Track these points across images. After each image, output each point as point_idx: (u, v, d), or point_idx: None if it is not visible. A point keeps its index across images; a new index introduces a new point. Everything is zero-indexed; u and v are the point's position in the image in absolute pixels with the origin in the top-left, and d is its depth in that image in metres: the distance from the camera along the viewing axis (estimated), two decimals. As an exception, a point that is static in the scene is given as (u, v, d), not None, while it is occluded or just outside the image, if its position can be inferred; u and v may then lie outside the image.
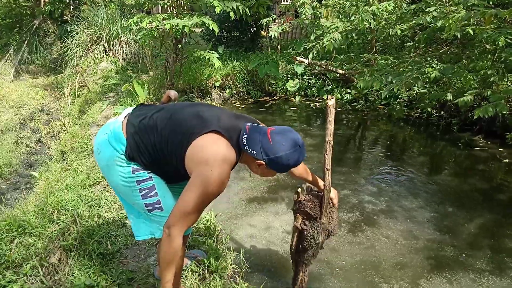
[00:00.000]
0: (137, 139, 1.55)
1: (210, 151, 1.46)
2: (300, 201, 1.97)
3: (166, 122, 1.56)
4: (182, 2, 5.45)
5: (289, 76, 6.88)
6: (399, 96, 5.75)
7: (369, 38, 5.97)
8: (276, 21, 7.90)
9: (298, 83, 6.70)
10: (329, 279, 2.41)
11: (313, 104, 6.40)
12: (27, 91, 8.10)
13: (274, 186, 3.61)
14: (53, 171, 3.91)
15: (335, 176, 3.59)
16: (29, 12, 10.05)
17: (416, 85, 5.09)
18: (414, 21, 4.40)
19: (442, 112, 5.39)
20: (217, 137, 1.49)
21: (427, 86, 5.38)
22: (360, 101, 6.17)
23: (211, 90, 6.64)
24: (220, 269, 2.19)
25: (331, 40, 4.65)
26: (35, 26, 9.79)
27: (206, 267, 2.20)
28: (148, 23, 4.84)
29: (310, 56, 5.26)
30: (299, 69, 6.58)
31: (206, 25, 4.82)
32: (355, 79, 5.78)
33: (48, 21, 10.05)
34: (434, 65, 4.07)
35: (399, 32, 4.62)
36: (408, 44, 5.63)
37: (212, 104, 5.73)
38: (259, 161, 1.50)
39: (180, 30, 4.77)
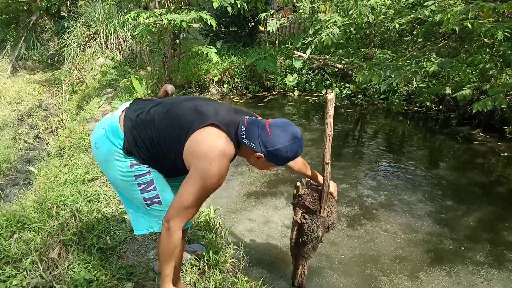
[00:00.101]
0: (134, 134, 1.54)
1: (208, 144, 1.45)
2: (299, 195, 1.97)
3: (164, 117, 1.55)
4: (180, -4, 5.42)
5: (287, 70, 6.86)
6: (398, 91, 5.74)
7: (367, 33, 5.94)
8: (274, 15, 7.86)
9: (297, 78, 6.69)
10: (328, 272, 2.42)
11: (311, 99, 6.40)
12: (24, 87, 8.07)
13: (273, 181, 3.61)
14: (51, 167, 3.90)
15: (334, 170, 3.59)
16: (25, 8, 9.98)
17: (414, 79, 5.08)
18: (412, 15, 4.37)
19: (440, 106, 5.39)
20: (215, 130, 1.49)
21: (426, 80, 5.37)
22: (359, 96, 6.17)
23: (209, 85, 6.62)
24: (220, 263, 2.20)
25: (330, 34, 4.62)
26: (32, 22, 9.74)
27: (206, 261, 2.21)
28: (146, 18, 4.81)
29: (309, 50, 5.24)
30: (298, 64, 6.56)
31: (204, 20, 4.80)
32: (353, 73, 5.76)
33: (45, 17, 10.01)
34: (433, 59, 4.06)
35: (397, 26, 4.60)
36: (406, 38, 5.61)
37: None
38: (258, 153, 1.50)
39: (178, 25, 4.74)
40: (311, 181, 2.02)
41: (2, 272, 2.06)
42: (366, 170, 3.85)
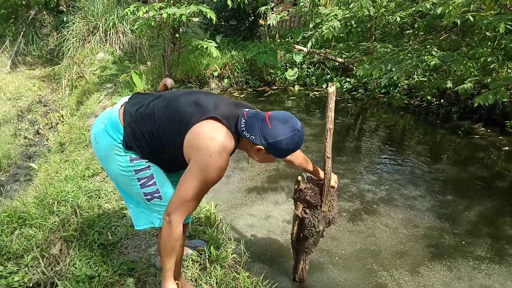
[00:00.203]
0: (134, 128, 1.53)
1: (208, 137, 1.44)
2: (300, 190, 1.96)
3: (163, 110, 1.54)
4: (179, -10, 5.38)
5: (288, 65, 6.82)
6: (399, 85, 5.72)
7: (368, 26, 5.91)
8: (274, 9, 7.81)
9: (297, 72, 6.66)
10: (329, 267, 2.43)
11: (312, 93, 6.37)
12: (24, 83, 8.04)
13: (273, 176, 3.61)
14: (52, 163, 3.90)
15: (335, 165, 3.58)
16: (24, 2, 9.89)
17: (415, 73, 5.06)
18: (413, 8, 4.34)
19: (442, 100, 5.37)
20: (215, 123, 1.48)
21: (427, 74, 5.35)
22: (360, 90, 6.14)
23: (209, 80, 6.60)
24: (221, 258, 2.20)
25: (330, 28, 4.59)
26: (30, 17, 9.68)
27: (207, 257, 2.21)
28: (145, 13, 4.78)
29: (309, 44, 5.21)
30: (298, 58, 6.53)
31: (204, 14, 4.77)
32: (354, 67, 5.74)
33: (44, 12, 9.94)
34: (434, 53, 4.03)
35: (398, 19, 4.56)
36: (407, 31, 5.57)
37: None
38: (258, 146, 1.50)
39: (178, 19, 4.71)
40: (312, 176, 2.02)
41: (3, 268, 2.06)
42: (367, 165, 3.85)
